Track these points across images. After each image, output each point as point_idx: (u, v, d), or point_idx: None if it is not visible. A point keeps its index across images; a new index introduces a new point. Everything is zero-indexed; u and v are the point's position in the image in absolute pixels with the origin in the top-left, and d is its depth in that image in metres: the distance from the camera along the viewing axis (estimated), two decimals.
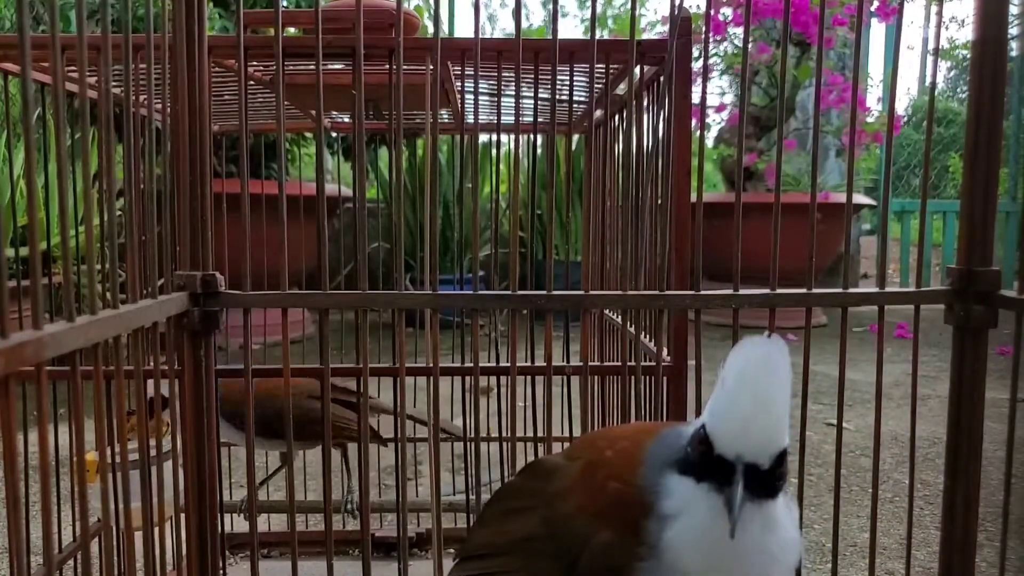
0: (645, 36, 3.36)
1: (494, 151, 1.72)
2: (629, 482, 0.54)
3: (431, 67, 0.80)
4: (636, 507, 0.52)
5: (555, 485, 0.59)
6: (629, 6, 0.76)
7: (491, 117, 1.32)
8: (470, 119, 0.82)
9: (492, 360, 1.19)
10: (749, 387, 0.48)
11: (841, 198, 0.91)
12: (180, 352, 0.78)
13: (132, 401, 0.69)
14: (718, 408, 0.50)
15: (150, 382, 0.73)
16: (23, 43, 0.43)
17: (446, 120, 1.41)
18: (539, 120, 1.21)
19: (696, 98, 0.84)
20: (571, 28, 6.34)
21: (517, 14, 0.81)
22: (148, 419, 0.79)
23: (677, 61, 0.82)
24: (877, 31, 5.79)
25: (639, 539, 0.51)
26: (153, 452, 0.75)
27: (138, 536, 0.68)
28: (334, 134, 1.64)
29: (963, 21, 6.12)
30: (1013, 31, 0.76)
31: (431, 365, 0.82)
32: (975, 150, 0.75)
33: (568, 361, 1.16)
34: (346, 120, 1.45)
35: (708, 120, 4.27)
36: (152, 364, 0.76)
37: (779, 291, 0.78)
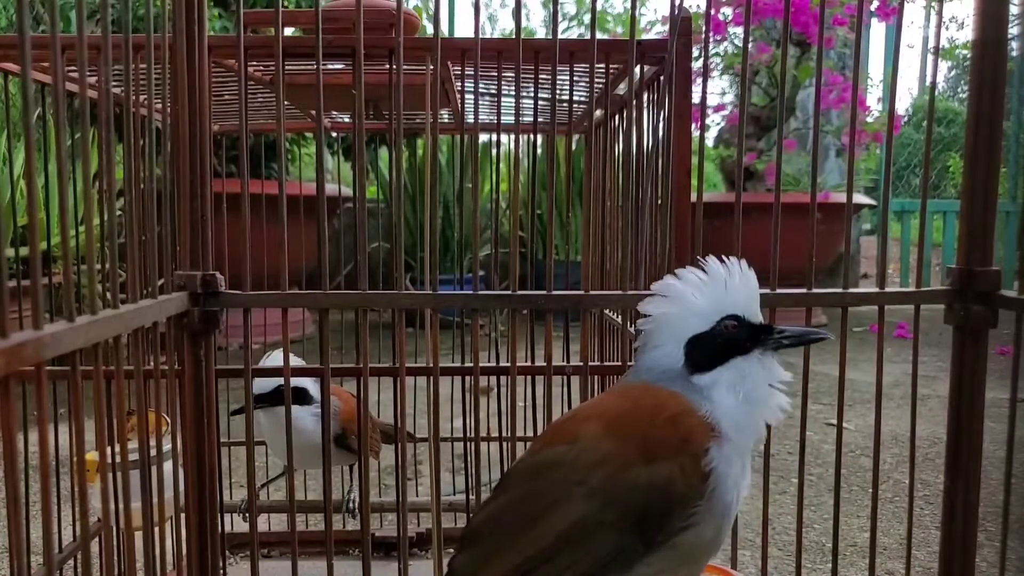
0: (645, 36, 3.37)
1: (494, 151, 1.72)
2: (678, 404, 0.61)
3: (431, 67, 0.80)
4: (696, 421, 0.60)
5: (581, 462, 0.59)
6: (624, 5, 0.76)
7: (491, 117, 1.32)
8: (470, 119, 0.82)
9: (492, 360, 1.19)
10: (747, 281, 0.64)
11: (841, 198, 0.92)
12: (180, 352, 0.78)
13: (132, 401, 0.70)
14: (739, 298, 0.64)
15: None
16: (23, 43, 0.43)
17: (446, 120, 1.41)
18: (539, 120, 1.21)
19: (696, 98, 0.84)
20: (570, 28, 6.33)
21: (517, 14, 0.81)
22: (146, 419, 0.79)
23: (677, 61, 0.82)
24: (877, 31, 5.79)
25: (701, 462, 0.58)
26: (153, 452, 0.75)
27: (138, 536, 0.68)
28: (334, 134, 1.64)
29: (962, 23, 6.12)
30: (1013, 31, 0.76)
31: (431, 365, 0.82)
32: (975, 150, 0.75)
33: (568, 361, 1.16)
34: (346, 120, 1.45)
35: (708, 120, 4.27)
36: (152, 364, 0.76)
37: (779, 291, 0.78)
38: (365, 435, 0.82)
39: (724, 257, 0.65)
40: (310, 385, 1.17)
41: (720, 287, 0.64)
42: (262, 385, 1.07)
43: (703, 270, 0.64)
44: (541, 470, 0.62)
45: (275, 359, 1.05)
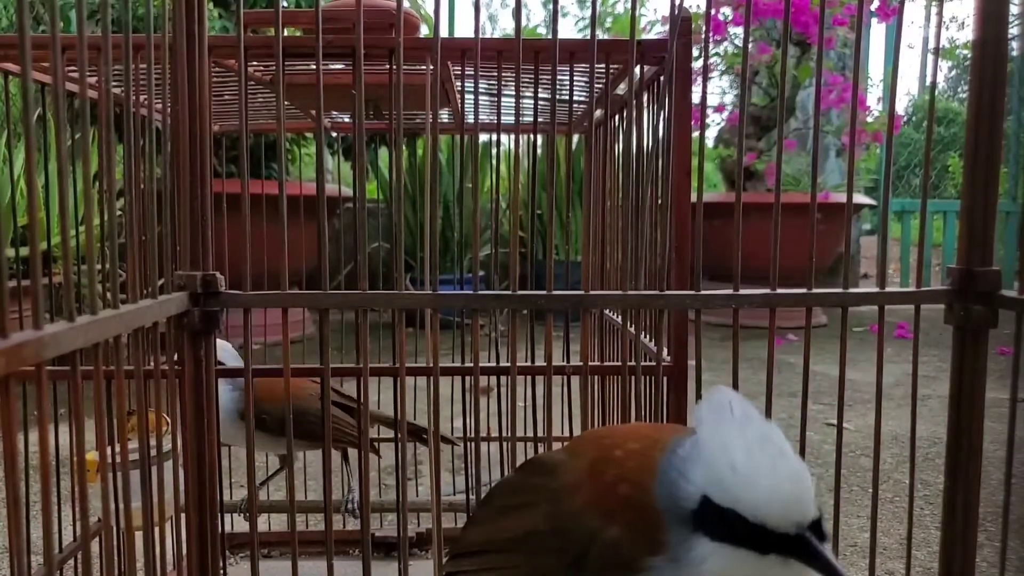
0: (645, 36, 3.37)
1: (494, 151, 1.72)
2: (643, 490, 0.54)
3: (431, 67, 0.80)
4: (650, 516, 0.53)
5: (559, 481, 0.59)
6: (624, 6, 0.76)
7: (491, 117, 1.32)
8: (470, 119, 0.82)
9: (492, 360, 1.19)
10: (767, 459, 0.49)
11: (841, 198, 0.91)
12: (180, 352, 0.78)
13: (132, 401, 0.69)
14: (749, 493, 0.49)
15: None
16: (23, 43, 0.43)
17: (446, 120, 1.41)
18: (539, 120, 1.21)
19: (696, 98, 0.84)
20: (569, 28, 6.33)
21: (517, 14, 0.81)
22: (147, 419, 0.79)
23: (677, 61, 0.82)
24: (877, 31, 5.80)
25: (651, 539, 0.52)
26: (153, 452, 0.75)
27: (138, 536, 0.68)
28: (334, 134, 1.64)
29: (963, 23, 6.13)
30: (1013, 31, 0.76)
31: (431, 365, 0.82)
32: (975, 150, 0.75)
33: (568, 361, 1.16)
34: (346, 120, 1.45)
35: (708, 120, 4.27)
36: (152, 364, 0.76)
37: (779, 291, 0.78)
38: (366, 435, 0.82)
39: (754, 425, 0.51)
40: (228, 359, 1.15)
41: (726, 466, 0.50)
42: None
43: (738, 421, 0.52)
44: (540, 469, 0.63)
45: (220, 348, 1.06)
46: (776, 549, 0.49)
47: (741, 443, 0.50)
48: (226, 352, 1.15)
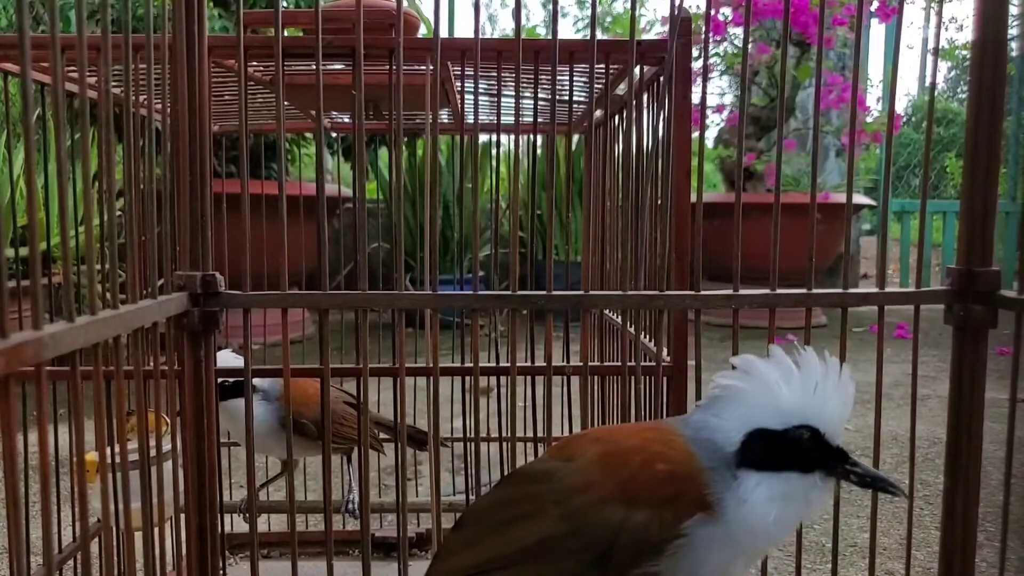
0: (644, 36, 3.36)
1: (494, 151, 1.72)
2: (681, 459, 0.58)
3: (431, 67, 0.80)
4: (695, 478, 0.57)
5: (565, 483, 0.59)
6: (624, 6, 0.76)
7: (491, 117, 1.32)
8: (470, 119, 0.82)
9: (492, 360, 1.19)
10: (841, 392, 0.58)
11: (841, 198, 0.92)
12: (180, 352, 0.78)
13: (132, 401, 0.69)
14: (825, 410, 0.58)
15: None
16: (23, 43, 0.43)
17: (446, 120, 1.41)
18: (539, 120, 1.21)
19: (696, 98, 0.84)
20: (569, 28, 6.34)
21: (517, 14, 0.81)
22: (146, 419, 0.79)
23: (677, 61, 0.82)
24: (877, 31, 5.79)
25: (698, 499, 0.56)
26: (153, 452, 0.75)
27: (138, 536, 0.68)
28: (334, 134, 1.64)
29: (962, 24, 6.14)
30: (1013, 31, 0.76)
31: (431, 365, 0.82)
32: (975, 150, 0.75)
33: (568, 361, 1.16)
34: (346, 120, 1.45)
35: (708, 120, 4.27)
36: (152, 364, 0.76)
37: (779, 291, 0.78)
38: (366, 432, 0.82)
39: (826, 355, 0.58)
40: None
41: (809, 389, 0.57)
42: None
43: (797, 361, 0.58)
44: (532, 478, 0.63)
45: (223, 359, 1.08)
46: (820, 466, 0.58)
47: (801, 373, 0.58)
48: (227, 364, 1.16)
